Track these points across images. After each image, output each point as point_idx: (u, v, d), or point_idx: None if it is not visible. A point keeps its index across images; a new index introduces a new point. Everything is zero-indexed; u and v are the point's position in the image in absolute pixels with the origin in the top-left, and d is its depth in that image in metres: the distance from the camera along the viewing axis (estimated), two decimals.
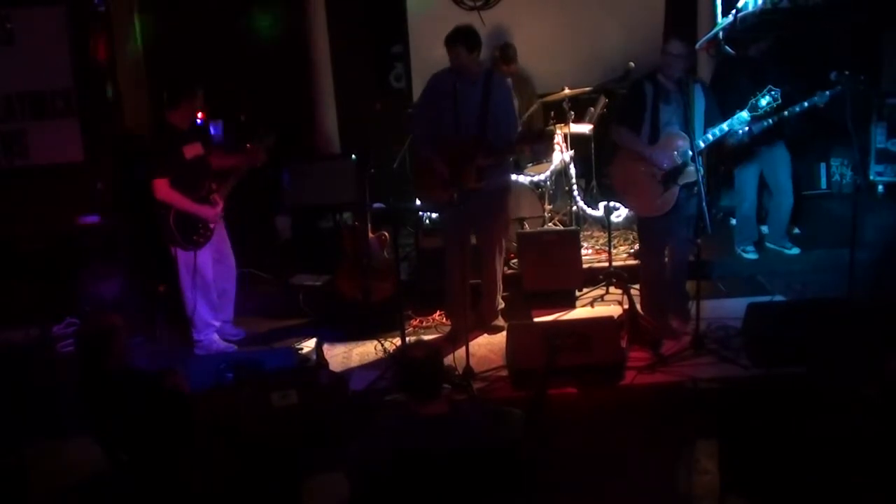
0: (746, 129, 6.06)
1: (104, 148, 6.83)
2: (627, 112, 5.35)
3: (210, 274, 5.63)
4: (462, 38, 5.21)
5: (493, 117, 5.28)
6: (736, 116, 5.14)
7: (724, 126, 5.17)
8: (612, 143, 5.58)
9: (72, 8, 6.69)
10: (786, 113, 5.94)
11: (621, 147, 5.40)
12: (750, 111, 5.11)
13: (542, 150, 6.79)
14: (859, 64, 6.56)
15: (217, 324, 5.74)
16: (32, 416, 4.87)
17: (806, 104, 5.83)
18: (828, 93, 5.75)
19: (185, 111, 5.43)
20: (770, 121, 5.96)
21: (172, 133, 5.40)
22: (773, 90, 5.06)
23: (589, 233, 7.14)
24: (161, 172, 5.30)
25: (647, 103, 5.23)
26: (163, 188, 5.31)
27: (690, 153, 5.12)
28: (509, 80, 6.76)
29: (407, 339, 5.20)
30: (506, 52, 6.84)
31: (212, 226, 5.56)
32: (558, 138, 6.75)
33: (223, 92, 5.95)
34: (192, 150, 5.47)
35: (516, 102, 6.79)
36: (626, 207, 6.51)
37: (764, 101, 5.07)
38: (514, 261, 6.45)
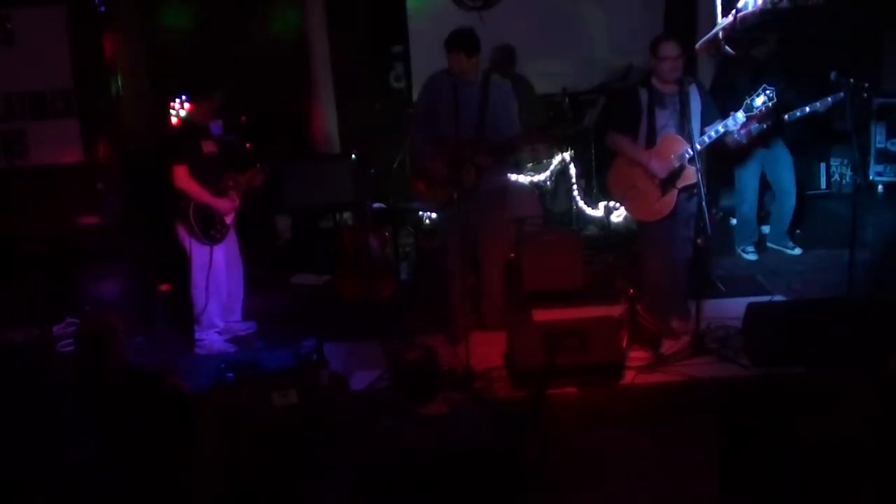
0: (744, 131, 6.07)
1: (104, 148, 6.83)
2: (623, 118, 5.34)
3: (224, 274, 5.65)
4: (462, 44, 5.19)
5: (491, 118, 5.27)
6: (731, 117, 5.14)
7: (720, 127, 5.16)
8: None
9: (72, 8, 6.69)
10: (786, 117, 5.93)
11: (618, 152, 5.40)
12: (745, 111, 5.11)
13: (543, 150, 6.79)
14: (860, 64, 6.57)
15: (221, 324, 5.75)
16: (32, 416, 4.87)
17: (808, 109, 5.84)
18: (829, 99, 5.74)
19: (204, 108, 5.49)
20: (765, 125, 5.97)
21: (191, 126, 5.45)
22: (767, 89, 5.05)
23: (589, 233, 7.14)
24: (180, 159, 5.34)
25: (642, 109, 5.22)
26: (182, 175, 5.34)
27: (688, 155, 5.12)
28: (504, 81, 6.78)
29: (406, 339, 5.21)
30: (506, 54, 6.85)
31: (228, 221, 5.59)
32: None
33: (224, 91, 5.94)
34: (209, 146, 5.52)
35: (516, 104, 6.81)
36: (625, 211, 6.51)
37: (759, 101, 5.06)
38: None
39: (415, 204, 6.31)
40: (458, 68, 5.25)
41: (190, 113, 5.47)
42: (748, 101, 5.07)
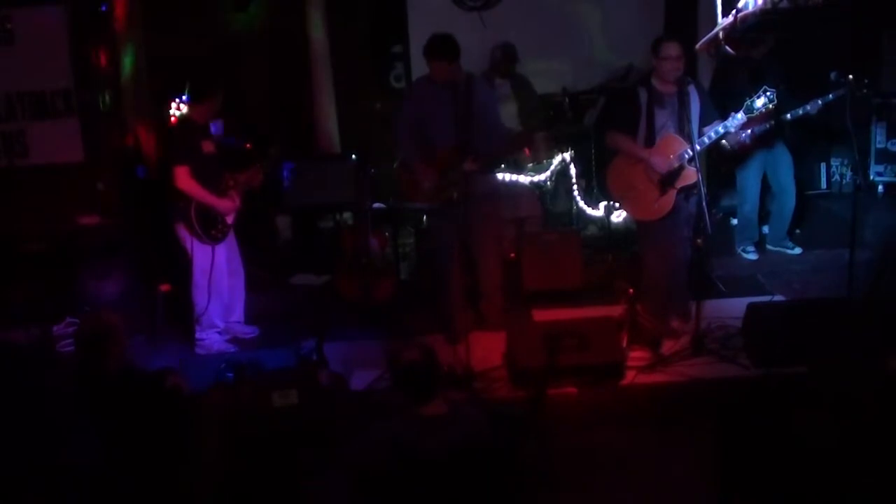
0: (748, 131, 6.06)
1: (104, 148, 6.83)
2: (622, 118, 5.34)
3: (225, 274, 5.65)
4: (442, 52, 5.20)
5: (476, 122, 5.28)
6: (731, 118, 5.15)
7: (720, 128, 5.17)
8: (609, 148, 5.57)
9: (72, 8, 6.68)
10: (788, 116, 5.92)
11: (617, 151, 5.41)
12: (745, 112, 5.11)
13: (543, 150, 6.78)
14: (859, 64, 6.57)
15: (221, 325, 5.75)
16: (32, 416, 4.87)
17: (809, 107, 5.82)
18: (830, 95, 5.73)
19: (206, 108, 5.50)
20: (769, 124, 5.97)
21: (192, 126, 5.45)
22: (768, 91, 5.06)
23: (589, 233, 7.13)
24: (182, 160, 5.34)
25: (641, 109, 5.22)
26: (184, 176, 5.34)
27: (687, 156, 5.12)
28: (503, 82, 6.78)
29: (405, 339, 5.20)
30: (508, 52, 6.84)
31: (229, 221, 5.59)
32: None
33: (223, 91, 5.96)
34: (208, 146, 5.52)
35: (515, 105, 6.82)
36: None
37: (759, 103, 5.07)
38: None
39: (416, 204, 6.30)
40: (440, 76, 5.26)
41: (189, 113, 5.46)
42: (748, 102, 5.08)
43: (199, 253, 5.50)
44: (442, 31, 5.30)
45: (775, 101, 5.10)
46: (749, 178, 6.52)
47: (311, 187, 6.82)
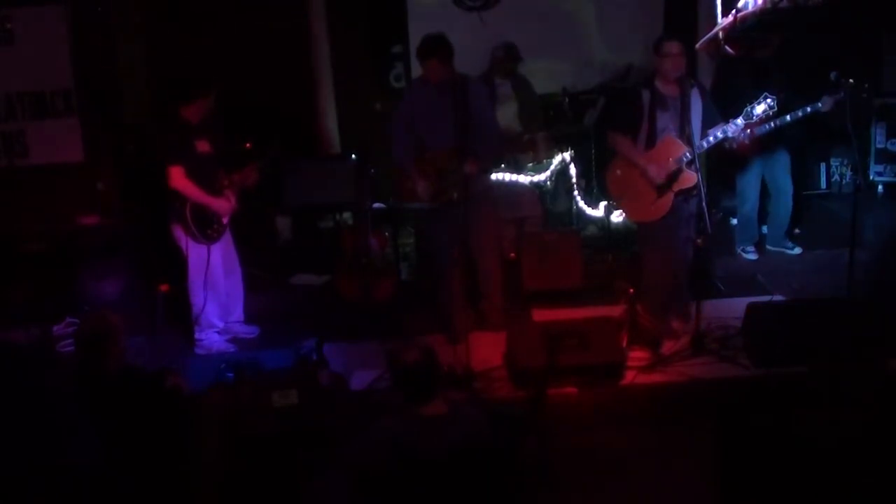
0: (748, 132, 6.06)
1: (104, 148, 6.83)
2: (623, 118, 5.34)
3: (221, 274, 5.65)
4: (434, 51, 5.20)
5: (473, 124, 5.29)
6: (731, 123, 5.15)
7: (719, 133, 5.17)
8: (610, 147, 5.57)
9: (72, 8, 6.69)
10: (788, 118, 5.94)
11: (617, 153, 5.41)
12: (745, 118, 5.11)
13: (543, 150, 6.78)
14: (860, 64, 6.57)
15: (220, 324, 5.75)
16: (32, 416, 4.87)
17: (809, 109, 5.84)
18: (829, 98, 5.74)
19: (198, 107, 5.47)
20: (771, 125, 5.97)
21: (185, 125, 5.45)
22: (768, 98, 5.06)
23: (589, 233, 7.13)
24: (176, 160, 5.34)
25: (643, 110, 5.22)
26: (178, 176, 5.34)
27: (686, 158, 5.12)
28: (503, 81, 6.78)
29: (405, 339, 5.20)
30: (511, 52, 6.84)
31: (224, 221, 5.59)
32: None
33: (222, 91, 5.96)
34: (203, 146, 5.51)
35: (515, 105, 6.82)
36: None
37: (759, 109, 5.08)
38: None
39: (415, 204, 6.31)
40: (434, 76, 5.26)
41: (182, 112, 5.45)
42: (748, 108, 5.09)
43: (195, 253, 5.49)
44: (435, 32, 5.30)
45: (775, 108, 5.10)
46: (749, 179, 6.52)
47: (311, 187, 6.82)
